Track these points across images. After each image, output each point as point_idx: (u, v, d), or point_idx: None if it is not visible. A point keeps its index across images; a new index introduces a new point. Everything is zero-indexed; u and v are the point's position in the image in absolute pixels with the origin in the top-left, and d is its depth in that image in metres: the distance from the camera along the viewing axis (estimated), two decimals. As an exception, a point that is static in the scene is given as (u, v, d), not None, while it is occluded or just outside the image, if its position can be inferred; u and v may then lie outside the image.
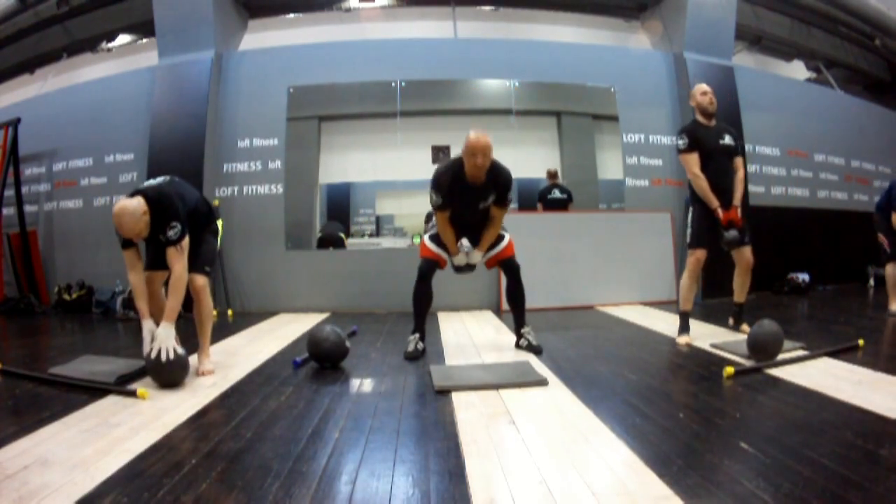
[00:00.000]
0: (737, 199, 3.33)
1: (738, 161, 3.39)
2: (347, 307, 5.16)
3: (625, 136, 5.65)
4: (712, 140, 3.31)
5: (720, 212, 3.26)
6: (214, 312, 4.99)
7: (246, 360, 3.03)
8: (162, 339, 2.46)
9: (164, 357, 2.43)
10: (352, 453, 1.67)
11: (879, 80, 8.57)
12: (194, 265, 2.77)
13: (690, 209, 3.42)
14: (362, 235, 7.16)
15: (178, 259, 2.59)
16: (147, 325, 2.60)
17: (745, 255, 3.42)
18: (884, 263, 4.40)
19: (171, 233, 2.56)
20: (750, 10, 6.94)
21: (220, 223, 2.99)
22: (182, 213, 2.61)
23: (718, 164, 3.31)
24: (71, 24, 6.89)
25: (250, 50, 5.88)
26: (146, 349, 2.50)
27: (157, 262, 2.77)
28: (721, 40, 5.93)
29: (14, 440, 1.75)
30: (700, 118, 3.37)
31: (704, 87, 3.41)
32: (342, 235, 6.05)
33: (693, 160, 3.28)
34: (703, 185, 3.27)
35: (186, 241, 2.62)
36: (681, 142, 3.31)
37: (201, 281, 2.78)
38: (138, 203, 2.50)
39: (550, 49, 5.93)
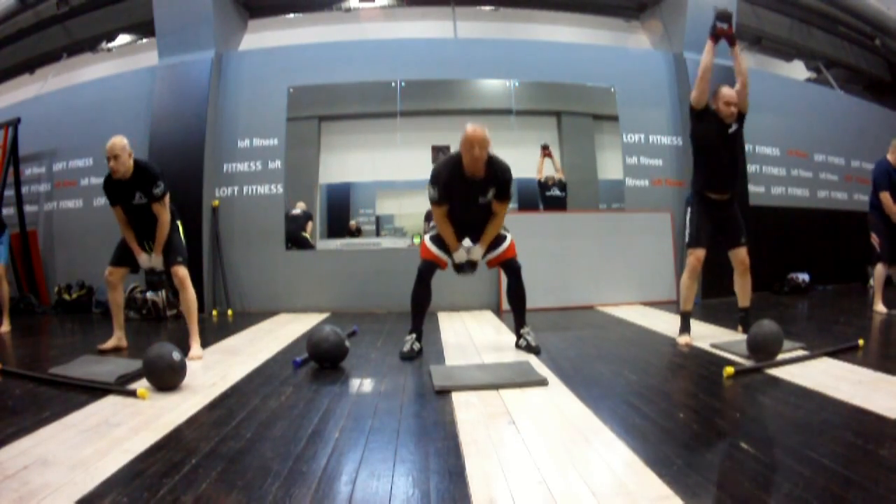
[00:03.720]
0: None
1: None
2: (347, 307, 5.16)
3: (625, 136, 5.65)
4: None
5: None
6: (214, 312, 5.06)
7: (246, 360, 3.03)
8: (154, 262, 3.22)
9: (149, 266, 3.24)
10: (352, 453, 1.67)
11: (879, 80, 8.56)
12: (169, 258, 3.23)
13: (689, 209, 3.41)
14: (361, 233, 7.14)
15: (163, 210, 3.21)
16: (142, 256, 3.25)
17: (739, 256, 3.36)
18: (874, 263, 4.43)
19: (156, 190, 3.16)
20: (750, 10, 6.93)
21: (179, 222, 3.41)
22: (161, 175, 3.22)
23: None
24: (71, 24, 6.88)
25: (250, 50, 5.88)
26: (143, 265, 3.26)
27: (122, 259, 3.33)
28: (721, 40, 5.91)
29: (14, 440, 1.75)
30: None
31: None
32: (306, 235, 5.87)
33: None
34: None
35: (167, 197, 3.24)
36: None
37: (182, 271, 3.20)
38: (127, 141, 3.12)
39: (550, 49, 5.93)
